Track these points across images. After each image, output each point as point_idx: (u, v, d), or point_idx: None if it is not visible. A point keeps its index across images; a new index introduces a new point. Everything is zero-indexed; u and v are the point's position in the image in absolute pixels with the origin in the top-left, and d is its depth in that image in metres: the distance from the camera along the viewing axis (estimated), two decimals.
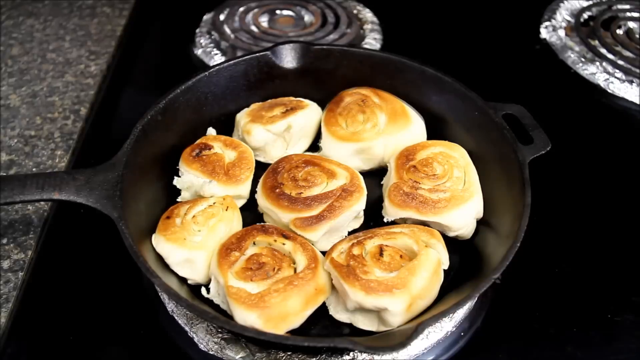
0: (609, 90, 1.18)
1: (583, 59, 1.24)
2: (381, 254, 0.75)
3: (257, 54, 1.01)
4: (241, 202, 0.91)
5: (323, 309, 0.76)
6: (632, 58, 1.23)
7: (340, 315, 0.76)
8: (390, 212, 0.85)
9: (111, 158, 0.81)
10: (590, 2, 1.41)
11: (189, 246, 0.77)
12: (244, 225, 0.85)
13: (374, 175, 0.94)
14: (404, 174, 0.86)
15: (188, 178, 0.88)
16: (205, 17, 1.36)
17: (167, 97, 0.91)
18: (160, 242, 0.78)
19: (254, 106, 1.00)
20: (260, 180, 0.89)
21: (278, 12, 1.38)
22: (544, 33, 1.33)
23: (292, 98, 1.02)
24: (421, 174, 0.86)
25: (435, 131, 0.97)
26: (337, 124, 0.95)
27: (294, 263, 0.76)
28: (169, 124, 0.91)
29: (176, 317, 0.77)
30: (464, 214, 0.82)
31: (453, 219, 0.82)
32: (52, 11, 1.39)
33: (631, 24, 1.34)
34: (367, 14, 1.38)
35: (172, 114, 0.92)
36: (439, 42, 1.35)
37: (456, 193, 0.83)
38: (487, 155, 0.89)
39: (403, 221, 0.86)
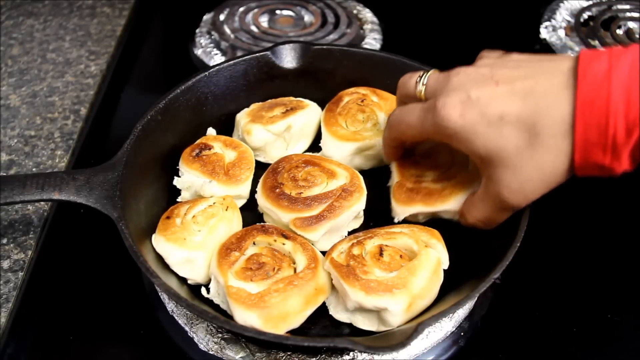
0: None
1: None
2: (381, 254, 0.75)
3: (257, 54, 1.01)
4: (241, 202, 0.91)
5: (323, 309, 0.76)
6: None
7: (340, 315, 0.76)
8: (398, 211, 0.84)
9: (111, 158, 0.81)
10: (590, 2, 1.41)
11: (189, 246, 0.77)
12: (244, 225, 0.85)
13: (374, 175, 0.94)
14: (406, 170, 0.86)
15: (188, 178, 0.88)
16: (205, 17, 1.36)
17: (167, 97, 0.91)
18: (160, 242, 0.78)
19: (254, 106, 1.00)
20: (260, 180, 0.89)
21: (278, 12, 1.38)
22: (544, 33, 1.33)
23: (292, 98, 1.02)
24: (423, 167, 0.85)
25: None
26: (337, 123, 0.95)
27: (294, 263, 0.76)
28: (169, 124, 0.91)
29: (176, 317, 0.77)
30: None
31: (461, 203, 0.79)
32: (52, 11, 1.39)
33: (631, 24, 1.34)
34: (367, 14, 1.38)
35: (172, 114, 0.92)
36: (439, 42, 1.35)
37: (462, 177, 0.81)
38: None
39: (415, 218, 0.85)
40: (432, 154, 0.86)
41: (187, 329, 0.76)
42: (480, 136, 0.66)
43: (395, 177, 0.87)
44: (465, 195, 0.80)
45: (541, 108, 0.63)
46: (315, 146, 1.00)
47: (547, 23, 1.35)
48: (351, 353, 0.73)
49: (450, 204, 0.81)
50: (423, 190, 0.82)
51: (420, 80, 0.75)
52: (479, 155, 0.68)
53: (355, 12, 1.39)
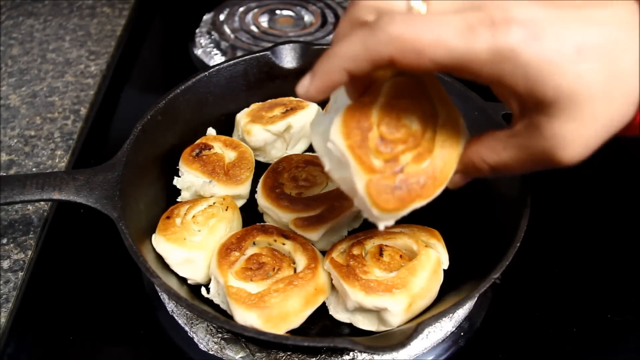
0: None
1: None
2: (381, 254, 0.75)
3: (257, 54, 1.01)
4: (241, 202, 0.91)
5: (323, 309, 0.76)
6: None
7: (340, 315, 0.76)
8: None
9: (111, 158, 0.81)
10: None
11: (189, 246, 0.77)
12: (244, 225, 0.85)
13: None
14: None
15: (188, 178, 0.88)
16: (205, 17, 1.36)
17: (167, 97, 0.91)
18: (160, 242, 0.78)
19: (254, 106, 1.00)
20: (260, 180, 0.89)
21: (278, 12, 1.38)
22: None
23: (292, 98, 1.02)
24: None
25: None
26: None
27: (294, 263, 0.76)
28: (169, 124, 0.91)
29: (176, 317, 0.77)
30: None
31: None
32: (52, 11, 1.39)
33: None
34: None
35: (172, 114, 0.92)
36: None
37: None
38: None
39: None
40: None
41: (187, 329, 0.76)
42: (556, 73, 0.47)
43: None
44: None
45: (620, 40, 0.49)
46: None
47: None
48: (351, 353, 0.73)
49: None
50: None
51: None
52: (541, 97, 0.49)
53: None
